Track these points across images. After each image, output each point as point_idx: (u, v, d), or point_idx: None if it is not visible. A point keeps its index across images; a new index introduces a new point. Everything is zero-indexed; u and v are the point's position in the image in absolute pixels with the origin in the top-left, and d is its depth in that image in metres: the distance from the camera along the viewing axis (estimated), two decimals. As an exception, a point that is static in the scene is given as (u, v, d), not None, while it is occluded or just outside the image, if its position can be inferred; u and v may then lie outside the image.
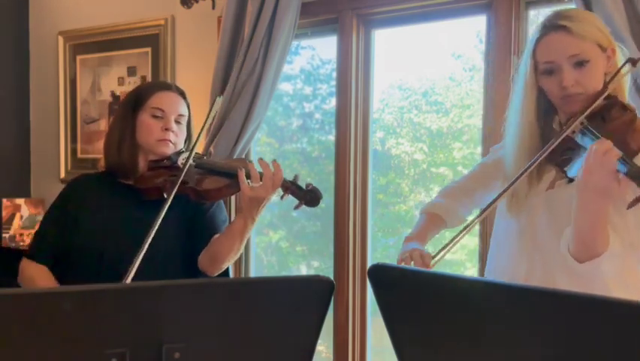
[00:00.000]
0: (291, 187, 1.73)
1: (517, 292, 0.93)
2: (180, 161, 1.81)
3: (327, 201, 2.87)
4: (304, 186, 1.75)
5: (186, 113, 1.90)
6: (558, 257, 1.49)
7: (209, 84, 2.68)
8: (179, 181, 1.68)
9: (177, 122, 1.86)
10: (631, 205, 1.27)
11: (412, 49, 2.75)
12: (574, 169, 1.42)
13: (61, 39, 3.40)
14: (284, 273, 3.14)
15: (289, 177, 1.76)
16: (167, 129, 1.83)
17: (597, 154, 1.31)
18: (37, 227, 1.97)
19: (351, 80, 2.63)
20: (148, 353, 0.90)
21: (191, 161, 1.75)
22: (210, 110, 1.83)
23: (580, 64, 1.45)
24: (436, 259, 1.48)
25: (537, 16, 2.38)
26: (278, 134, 3.11)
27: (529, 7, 2.33)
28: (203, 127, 1.78)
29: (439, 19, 2.56)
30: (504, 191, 1.47)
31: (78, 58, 3.36)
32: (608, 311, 0.80)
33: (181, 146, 1.88)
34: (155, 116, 1.83)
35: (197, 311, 0.92)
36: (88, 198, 1.87)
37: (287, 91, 3.06)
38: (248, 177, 1.72)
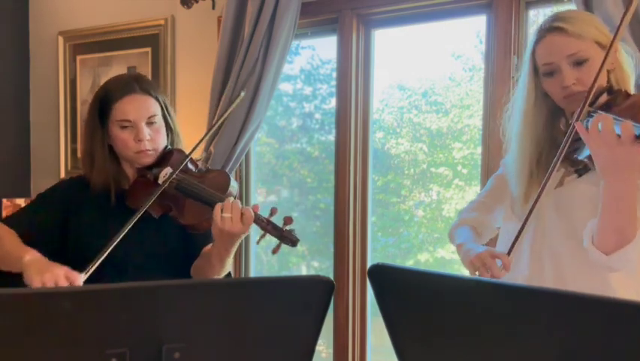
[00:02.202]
0: (267, 227, 1.61)
1: (517, 292, 0.93)
2: (161, 178, 1.72)
3: (327, 201, 2.87)
4: (282, 224, 1.62)
5: (158, 111, 1.75)
6: (568, 257, 1.47)
7: (209, 84, 2.68)
8: (151, 201, 1.64)
9: (150, 123, 1.73)
10: None
11: (412, 49, 2.75)
12: (585, 152, 1.39)
13: (61, 39, 3.40)
14: (284, 273, 3.14)
15: (266, 213, 1.63)
16: (140, 140, 1.71)
17: (607, 129, 1.26)
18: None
19: (351, 80, 2.63)
20: (148, 353, 0.90)
21: (174, 176, 1.68)
22: (231, 106, 1.77)
23: (579, 63, 1.45)
24: (511, 256, 1.43)
25: (537, 16, 2.38)
26: (278, 134, 3.11)
27: (529, 7, 2.33)
28: (215, 124, 1.76)
29: (439, 19, 2.56)
30: (538, 197, 1.43)
31: (78, 58, 3.36)
32: (609, 311, 0.80)
33: (163, 145, 1.77)
34: (124, 127, 1.71)
35: (197, 311, 0.92)
36: (81, 205, 1.78)
37: (287, 91, 3.06)
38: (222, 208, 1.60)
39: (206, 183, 1.72)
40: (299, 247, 1.67)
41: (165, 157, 1.77)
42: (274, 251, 1.65)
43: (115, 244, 1.57)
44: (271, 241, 1.69)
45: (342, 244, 2.67)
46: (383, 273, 1.02)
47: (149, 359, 0.90)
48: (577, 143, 1.43)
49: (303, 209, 3.04)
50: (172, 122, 1.81)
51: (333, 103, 2.74)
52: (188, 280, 1.59)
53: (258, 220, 1.59)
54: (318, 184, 3.03)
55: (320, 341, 1.02)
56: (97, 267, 1.57)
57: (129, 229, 1.61)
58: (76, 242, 1.75)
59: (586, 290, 1.40)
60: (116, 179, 1.77)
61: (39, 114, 3.59)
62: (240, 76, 2.59)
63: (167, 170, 1.72)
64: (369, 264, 2.36)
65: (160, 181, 1.71)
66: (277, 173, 3.08)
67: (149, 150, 1.73)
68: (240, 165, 2.77)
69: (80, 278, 1.51)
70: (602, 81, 1.46)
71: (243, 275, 2.89)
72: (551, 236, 1.51)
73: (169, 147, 1.79)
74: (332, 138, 2.75)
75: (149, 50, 3.08)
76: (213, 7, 2.80)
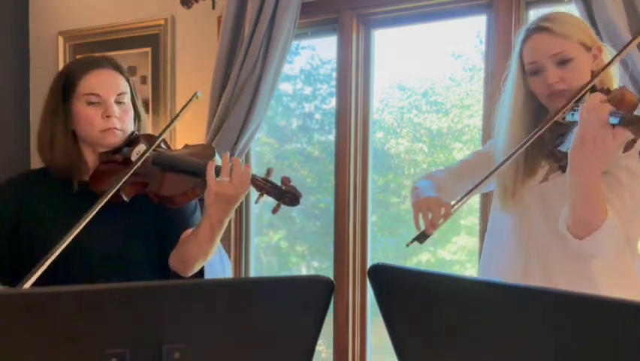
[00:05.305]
0: (265, 187, 1.48)
1: (517, 292, 0.93)
2: (134, 155, 1.56)
3: (327, 201, 2.87)
4: (280, 184, 1.49)
5: (127, 90, 1.61)
6: (555, 251, 1.51)
7: (209, 84, 2.68)
8: (125, 178, 1.47)
9: (119, 102, 1.58)
10: (627, 148, 1.24)
11: (412, 49, 2.75)
12: (567, 144, 1.43)
13: (61, 39, 3.40)
14: (284, 273, 3.14)
15: (261, 173, 1.53)
16: (108, 117, 1.55)
17: (588, 108, 1.30)
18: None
19: (351, 80, 2.63)
20: (148, 353, 0.90)
21: (148, 154, 1.52)
22: (188, 102, 1.54)
23: (563, 62, 1.48)
24: (455, 208, 1.49)
25: (537, 16, 2.38)
26: (278, 134, 3.11)
27: (529, 7, 2.33)
28: (174, 119, 1.57)
29: (439, 19, 2.57)
30: (501, 164, 1.49)
31: (78, 58, 3.36)
32: (608, 311, 0.80)
33: (130, 129, 1.62)
34: (91, 103, 1.56)
35: (197, 311, 0.92)
36: (37, 203, 1.60)
37: (287, 91, 3.06)
38: (217, 171, 1.47)
39: (188, 155, 1.58)
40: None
41: (132, 142, 1.62)
42: (274, 211, 1.51)
43: (80, 228, 1.39)
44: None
45: (342, 244, 2.67)
46: (383, 273, 1.02)
47: (149, 359, 0.90)
48: (561, 138, 1.47)
49: (303, 209, 3.04)
50: (139, 108, 1.67)
51: (333, 103, 2.74)
52: (189, 280, 1.58)
53: (255, 180, 1.48)
54: (318, 184, 3.04)
55: (320, 341, 1.02)
56: (64, 261, 1.39)
57: (95, 217, 1.42)
58: (31, 242, 1.56)
59: (569, 281, 1.46)
60: (77, 166, 1.60)
61: (39, 114, 3.58)
62: (240, 76, 2.59)
63: (141, 146, 1.58)
64: (369, 264, 2.36)
65: (133, 158, 1.55)
66: (277, 173, 3.07)
67: (117, 129, 1.57)
68: (240, 165, 2.77)
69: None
70: (586, 81, 1.48)
71: (243, 275, 2.89)
72: (537, 230, 1.54)
73: (136, 132, 1.64)
74: (332, 138, 2.75)
75: (149, 50, 3.08)
76: (213, 7, 2.81)
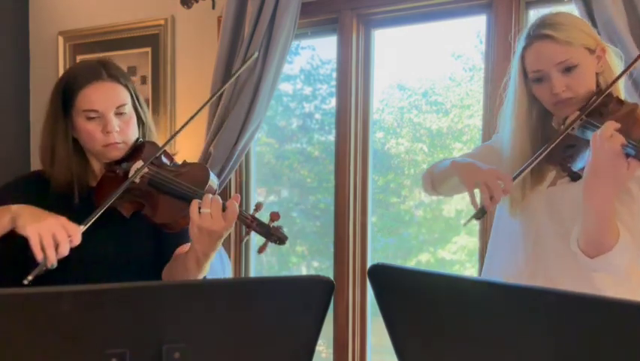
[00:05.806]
0: (252, 224, 1.46)
1: (517, 292, 0.93)
2: (132, 171, 1.55)
3: (327, 201, 2.87)
4: (268, 221, 1.46)
5: (128, 100, 1.58)
6: (560, 257, 1.49)
7: (209, 84, 2.68)
8: (115, 197, 1.48)
9: (119, 113, 1.56)
10: None
11: (412, 49, 2.75)
12: (579, 163, 1.41)
13: (61, 39, 3.39)
14: (284, 273, 3.14)
15: (251, 209, 1.50)
16: (108, 132, 1.54)
17: (602, 138, 1.30)
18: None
19: (351, 80, 2.63)
20: (148, 353, 0.90)
21: (145, 170, 1.53)
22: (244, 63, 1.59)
23: (568, 69, 1.45)
24: (516, 181, 1.43)
25: (537, 16, 2.38)
26: (278, 134, 3.11)
27: (529, 7, 2.33)
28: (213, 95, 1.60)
29: (439, 19, 2.56)
30: (537, 156, 1.45)
31: (78, 58, 3.36)
32: (608, 311, 0.80)
33: (134, 137, 1.60)
34: (90, 118, 1.54)
35: (197, 311, 0.92)
36: (40, 206, 1.53)
37: (287, 91, 3.06)
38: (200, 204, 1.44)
39: (183, 177, 1.56)
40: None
41: (136, 151, 1.61)
42: (260, 250, 1.50)
43: (94, 220, 1.44)
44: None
45: (342, 244, 2.67)
46: (383, 273, 1.02)
47: (149, 359, 0.90)
48: (570, 150, 1.44)
49: (303, 209, 3.04)
50: (143, 114, 1.65)
51: (333, 103, 2.74)
52: (189, 280, 1.57)
53: (241, 217, 1.45)
54: (318, 184, 3.03)
55: (320, 341, 1.02)
56: (62, 262, 1.39)
57: (95, 227, 1.44)
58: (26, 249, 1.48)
59: (573, 285, 1.44)
60: (81, 176, 1.60)
61: (39, 114, 3.58)
62: (240, 76, 2.59)
63: (139, 163, 1.57)
64: (369, 264, 2.36)
65: (131, 174, 1.55)
66: (277, 173, 3.08)
67: (119, 143, 1.56)
68: (240, 165, 2.77)
69: (79, 230, 1.40)
70: (592, 85, 1.47)
71: (243, 275, 2.89)
72: (543, 233, 1.53)
73: (140, 139, 1.63)
74: (332, 138, 2.75)
75: (149, 50, 3.08)
76: (213, 7, 2.81)
